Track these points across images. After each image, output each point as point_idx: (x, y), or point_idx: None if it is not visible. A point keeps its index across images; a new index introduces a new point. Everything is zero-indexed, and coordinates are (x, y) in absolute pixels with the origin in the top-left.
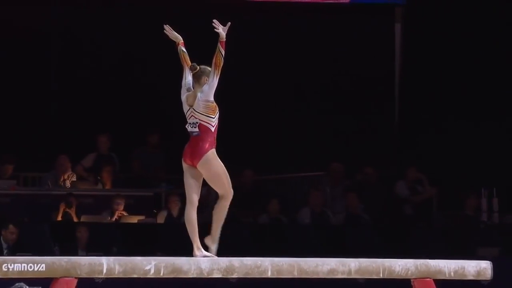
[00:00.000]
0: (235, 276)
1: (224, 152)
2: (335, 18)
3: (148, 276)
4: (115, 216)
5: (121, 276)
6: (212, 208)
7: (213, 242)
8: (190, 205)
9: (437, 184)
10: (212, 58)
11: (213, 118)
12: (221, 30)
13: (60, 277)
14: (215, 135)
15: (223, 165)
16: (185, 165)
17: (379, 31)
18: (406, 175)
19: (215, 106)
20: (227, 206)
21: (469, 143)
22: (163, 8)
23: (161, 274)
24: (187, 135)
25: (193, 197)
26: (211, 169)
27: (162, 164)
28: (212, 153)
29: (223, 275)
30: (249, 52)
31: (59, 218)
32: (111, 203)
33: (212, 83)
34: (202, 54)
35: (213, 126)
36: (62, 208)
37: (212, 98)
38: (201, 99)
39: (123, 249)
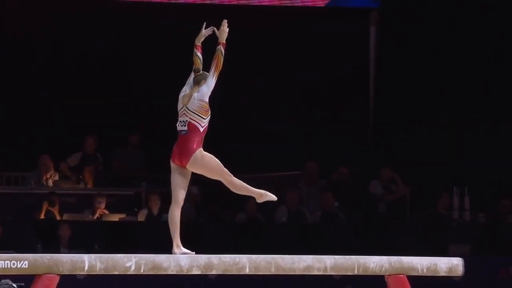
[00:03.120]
0: (214, 272)
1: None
2: (311, 22)
3: (129, 273)
4: (97, 215)
5: (102, 273)
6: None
7: (265, 194)
8: (175, 204)
9: (410, 183)
10: (211, 60)
11: (204, 119)
12: (226, 32)
13: (43, 274)
14: (203, 136)
15: (212, 156)
16: (173, 165)
17: (354, 34)
18: (380, 175)
19: (208, 109)
20: (238, 181)
21: (441, 143)
22: (149, 11)
23: (142, 271)
24: (168, 135)
25: (179, 196)
26: (204, 165)
27: (142, 163)
28: (199, 152)
29: (202, 271)
30: (225, 54)
31: (42, 217)
32: (92, 201)
33: (210, 84)
34: (177, 54)
35: (202, 127)
36: (45, 206)
37: (207, 99)
38: (196, 98)
39: (104, 246)
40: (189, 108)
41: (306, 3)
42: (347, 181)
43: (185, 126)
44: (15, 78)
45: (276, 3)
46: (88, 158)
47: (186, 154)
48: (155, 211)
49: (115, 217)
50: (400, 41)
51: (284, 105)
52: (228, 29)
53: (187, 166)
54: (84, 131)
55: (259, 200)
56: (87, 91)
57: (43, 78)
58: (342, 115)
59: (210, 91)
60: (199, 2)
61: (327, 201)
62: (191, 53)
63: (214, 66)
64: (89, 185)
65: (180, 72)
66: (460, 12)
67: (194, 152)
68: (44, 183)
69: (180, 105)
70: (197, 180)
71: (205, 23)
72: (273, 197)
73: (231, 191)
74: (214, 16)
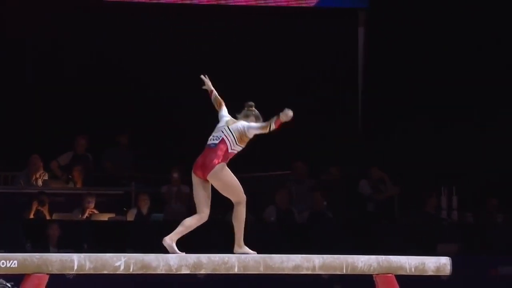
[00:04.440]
0: (203, 272)
1: (193, 152)
2: (300, 22)
3: (118, 272)
4: (86, 214)
5: (91, 272)
6: (230, 216)
7: (239, 247)
8: (199, 216)
9: (399, 183)
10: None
11: (237, 145)
12: (289, 115)
13: (32, 273)
14: (229, 158)
15: (232, 175)
16: (195, 178)
17: (343, 34)
18: (369, 174)
19: (246, 143)
20: (244, 211)
21: (429, 143)
22: (140, 11)
23: (131, 270)
24: (157, 135)
25: (204, 210)
26: (222, 180)
27: (132, 163)
28: (221, 166)
29: (191, 271)
30: (215, 54)
31: (31, 216)
32: (82, 201)
33: (254, 129)
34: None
35: (231, 149)
36: (34, 206)
37: (250, 136)
38: (241, 125)
39: (93, 246)
40: (230, 128)
41: (295, 4)
42: (336, 181)
43: (217, 140)
44: (6, 78)
45: (265, 3)
46: (79, 158)
47: (208, 165)
48: (145, 210)
49: (105, 217)
50: (388, 41)
51: (273, 105)
52: (290, 115)
53: (208, 177)
54: (74, 131)
55: (235, 251)
56: (77, 91)
57: (33, 78)
58: (331, 115)
59: (251, 135)
60: (187, 2)
61: (316, 201)
62: (183, 54)
63: (263, 127)
64: (79, 185)
65: (170, 72)
66: (448, 12)
67: (216, 165)
68: (34, 182)
69: (221, 124)
70: (188, 179)
71: (205, 76)
72: (253, 253)
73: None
74: (204, 16)
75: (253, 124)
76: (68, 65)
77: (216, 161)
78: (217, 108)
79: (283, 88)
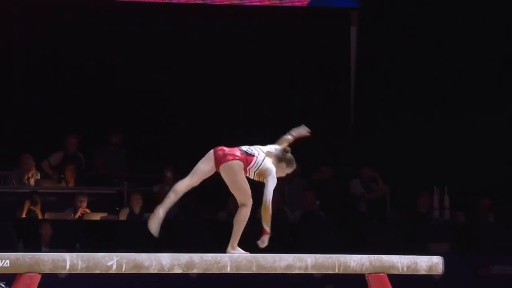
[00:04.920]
0: (195, 271)
1: (185, 151)
2: (293, 21)
3: (110, 272)
4: (78, 214)
5: (83, 272)
6: (233, 216)
7: (232, 249)
8: (188, 179)
9: (391, 182)
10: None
11: (254, 166)
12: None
13: (24, 273)
14: (244, 167)
15: (245, 178)
16: (210, 156)
17: (335, 33)
18: (361, 174)
19: (261, 175)
20: (247, 215)
21: (421, 143)
22: (128, 10)
23: (123, 269)
24: (149, 134)
25: (194, 177)
26: (234, 176)
27: (124, 162)
28: (239, 164)
29: (183, 270)
30: (207, 53)
31: (24, 216)
32: (74, 200)
33: (273, 179)
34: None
35: (249, 169)
36: (26, 205)
37: (272, 174)
38: (268, 172)
39: (86, 245)
40: (263, 159)
41: (288, 3)
42: (328, 180)
43: (250, 151)
44: None
45: (258, 3)
46: (70, 158)
47: (226, 158)
48: (137, 210)
49: (97, 216)
50: (381, 41)
51: (264, 105)
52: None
53: (220, 168)
54: (66, 130)
55: (227, 251)
56: (69, 91)
57: (24, 77)
58: (323, 115)
59: (272, 184)
60: (176, 2)
61: (308, 200)
62: (175, 54)
63: (265, 201)
64: (71, 184)
65: (162, 72)
66: (439, 11)
67: (233, 160)
68: (26, 182)
69: (263, 149)
70: (179, 178)
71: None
72: (246, 253)
73: (212, 189)
74: (195, 16)
75: (269, 185)
76: (60, 64)
77: (238, 158)
78: (281, 141)
79: (275, 87)
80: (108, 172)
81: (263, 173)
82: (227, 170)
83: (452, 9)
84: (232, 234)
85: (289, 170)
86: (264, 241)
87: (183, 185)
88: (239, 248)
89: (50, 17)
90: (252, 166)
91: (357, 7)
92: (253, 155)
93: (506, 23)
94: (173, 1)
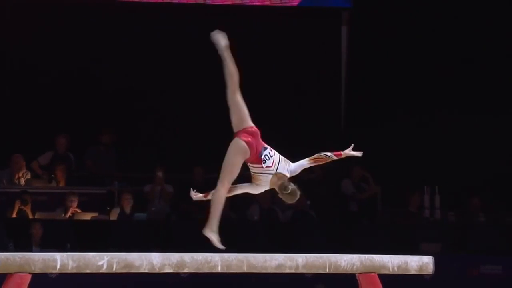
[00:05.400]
0: (186, 271)
1: (176, 151)
2: (283, 21)
3: (101, 272)
4: (69, 213)
5: (74, 271)
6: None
7: (210, 230)
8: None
9: (381, 182)
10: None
11: (252, 171)
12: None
13: (15, 273)
14: (248, 156)
15: (239, 161)
16: (245, 147)
17: (326, 33)
18: (351, 174)
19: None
20: (221, 195)
21: (412, 142)
22: (118, 10)
23: (114, 269)
24: (140, 134)
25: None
26: (229, 150)
27: (114, 162)
28: (243, 146)
29: (174, 270)
30: (196, 53)
31: (14, 215)
32: (65, 200)
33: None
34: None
35: (252, 164)
36: (17, 205)
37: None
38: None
39: (76, 245)
40: (278, 166)
41: (279, 3)
42: (319, 180)
43: (268, 155)
44: None
45: (249, 3)
46: (60, 158)
47: (243, 135)
48: (128, 210)
49: (87, 216)
50: (372, 40)
51: (255, 104)
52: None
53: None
54: (57, 130)
55: (205, 231)
56: (60, 91)
57: (14, 77)
58: (314, 115)
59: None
60: (166, 2)
61: (299, 200)
62: (166, 54)
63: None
64: (61, 184)
65: (154, 71)
66: (430, 11)
67: (244, 143)
68: (16, 182)
69: (283, 163)
70: (170, 178)
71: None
72: (219, 246)
73: (203, 189)
74: (184, 16)
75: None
76: (51, 64)
77: (249, 144)
78: (315, 158)
79: (265, 87)
80: (99, 172)
81: (255, 180)
82: (232, 143)
83: (443, 9)
84: (209, 216)
85: (288, 201)
86: (196, 195)
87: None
88: (216, 234)
89: (40, 17)
90: (252, 166)
91: (348, 7)
92: (261, 162)
93: (495, 24)
94: (165, 1)
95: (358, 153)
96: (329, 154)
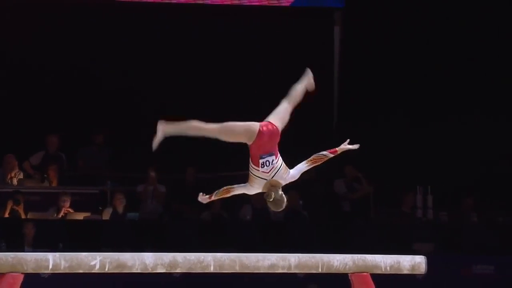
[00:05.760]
0: (178, 271)
1: (168, 151)
2: (276, 21)
3: (93, 272)
4: (61, 213)
5: (66, 271)
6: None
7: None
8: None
9: (374, 182)
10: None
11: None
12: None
13: (7, 273)
14: (251, 142)
15: (241, 127)
16: (256, 130)
17: (319, 33)
18: (344, 173)
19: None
20: (193, 124)
21: (405, 142)
22: (112, 9)
23: (106, 269)
24: (132, 134)
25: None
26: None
27: (107, 162)
28: (257, 123)
29: (166, 270)
30: (190, 52)
31: (7, 215)
32: (57, 200)
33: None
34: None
35: (251, 161)
36: (9, 205)
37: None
38: (253, 184)
39: (69, 245)
40: (273, 172)
41: (272, 3)
42: (312, 179)
43: (267, 160)
44: None
45: (242, 2)
46: (51, 157)
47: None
48: (120, 209)
49: (80, 216)
50: (364, 40)
51: (247, 104)
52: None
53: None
54: (50, 130)
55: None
56: (52, 90)
57: (6, 76)
58: (306, 114)
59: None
60: (159, 1)
61: (292, 199)
62: (157, 53)
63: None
64: (54, 184)
65: (145, 71)
66: (422, 11)
67: (256, 127)
68: (9, 181)
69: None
70: (163, 178)
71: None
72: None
73: (195, 189)
74: (178, 16)
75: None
76: (43, 64)
77: (264, 131)
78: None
79: (258, 87)
80: (92, 172)
81: (251, 181)
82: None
83: (435, 9)
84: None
85: (272, 209)
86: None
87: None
88: (163, 129)
89: (33, 16)
90: (252, 166)
91: (340, 7)
92: (259, 165)
93: (487, 24)
94: (157, 1)
95: (355, 146)
96: (324, 152)
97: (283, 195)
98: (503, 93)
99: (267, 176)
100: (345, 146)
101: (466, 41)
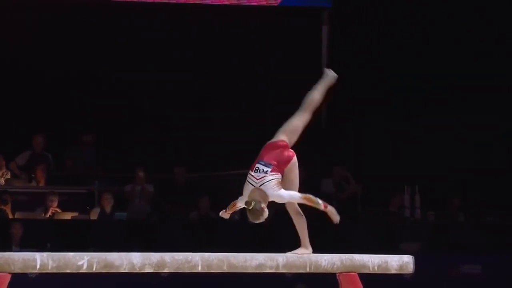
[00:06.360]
0: (166, 270)
1: (156, 151)
2: (264, 20)
3: (81, 271)
4: (49, 213)
5: (54, 271)
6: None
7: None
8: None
9: (362, 181)
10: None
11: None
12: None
13: None
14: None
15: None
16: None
17: (307, 33)
18: (332, 173)
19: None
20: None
21: (392, 142)
22: (98, 7)
23: (94, 269)
24: (120, 134)
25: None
26: None
27: (95, 162)
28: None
29: (154, 270)
30: (181, 51)
31: None
32: (45, 200)
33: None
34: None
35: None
36: None
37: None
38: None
39: (56, 245)
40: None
41: (260, 2)
42: (299, 179)
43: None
44: None
45: (230, 2)
46: (37, 157)
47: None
48: (108, 209)
49: (68, 216)
50: (352, 40)
51: (235, 104)
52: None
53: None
54: (35, 130)
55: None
56: (39, 90)
57: None
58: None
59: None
60: (145, 1)
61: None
62: (147, 53)
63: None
64: (41, 184)
65: (134, 71)
66: (409, 11)
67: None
68: None
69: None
70: (151, 178)
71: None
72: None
73: (184, 189)
74: (166, 15)
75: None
76: (30, 64)
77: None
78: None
79: (246, 87)
80: (79, 172)
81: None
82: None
83: (422, 9)
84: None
85: (250, 219)
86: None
87: None
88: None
89: (20, 16)
90: (249, 171)
91: (328, 7)
92: (253, 169)
93: (474, 25)
94: (144, 0)
95: (336, 219)
96: (320, 202)
97: (265, 210)
98: (491, 93)
99: (256, 183)
100: (332, 212)
101: (453, 41)
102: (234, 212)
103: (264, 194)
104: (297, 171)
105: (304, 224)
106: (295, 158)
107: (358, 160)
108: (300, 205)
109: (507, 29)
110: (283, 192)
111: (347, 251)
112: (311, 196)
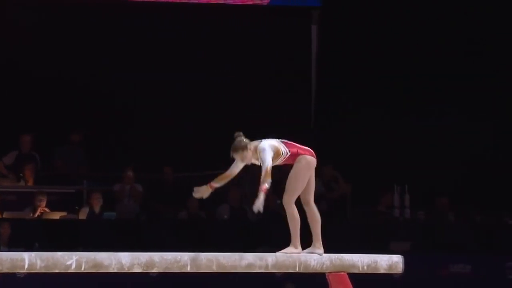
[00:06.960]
0: (155, 270)
1: (145, 150)
2: (254, 20)
3: (70, 271)
4: (38, 213)
5: (42, 271)
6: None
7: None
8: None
9: (351, 181)
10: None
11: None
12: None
13: None
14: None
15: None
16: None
17: (296, 32)
18: (321, 173)
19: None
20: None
21: (382, 142)
22: (89, 6)
23: (82, 269)
24: (108, 133)
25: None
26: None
27: (84, 161)
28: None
29: (143, 269)
30: (169, 51)
31: None
32: (33, 199)
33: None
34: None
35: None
36: None
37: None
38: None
39: (45, 245)
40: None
41: (249, 1)
42: None
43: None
44: None
45: (219, 1)
46: (25, 157)
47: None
48: (97, 209)
49: (56, 215)
50: (341, 39)
51: (225, 103)
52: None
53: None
54: (22, 130)
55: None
56: (26, 89)
57: None
58: (284, 113)
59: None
60: (132, 0)
61: (269, 199)
62: (136, 53)
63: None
64: (30, 183)
65: (123, 71)
66: (399, 10)
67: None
68: None
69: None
70: (140, 178)
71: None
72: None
73: (172, 188)
74: (154, 14)
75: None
76: (17, 64)
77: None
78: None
79: (236, 86)
80: (68, 171)
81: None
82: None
83: (412, 8)
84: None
85: (231, 152)
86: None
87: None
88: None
89: (9, 16)
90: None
91: (318, 6)
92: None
93: (466, 25)
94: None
95: (256, 208)
96: (266, 184)
97: (248, 152)
98: (480, 93)
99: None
100: (260, 200)
101: (445, 41)
102: (215, 189)
103: (258, 143)
104: (298, 174)
105: (297, 224)
106: (301, 163)
107: (347, 160)
108: (297, 205)
109: (499, 30)
110: (268, 152)
111: (337, 251)
112: (268, 173)
